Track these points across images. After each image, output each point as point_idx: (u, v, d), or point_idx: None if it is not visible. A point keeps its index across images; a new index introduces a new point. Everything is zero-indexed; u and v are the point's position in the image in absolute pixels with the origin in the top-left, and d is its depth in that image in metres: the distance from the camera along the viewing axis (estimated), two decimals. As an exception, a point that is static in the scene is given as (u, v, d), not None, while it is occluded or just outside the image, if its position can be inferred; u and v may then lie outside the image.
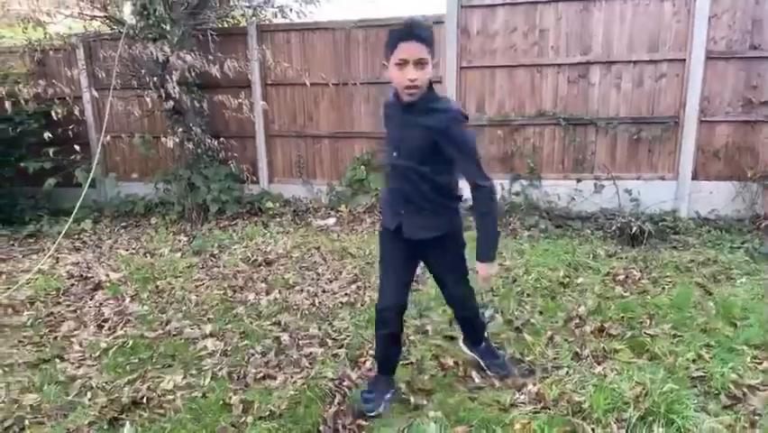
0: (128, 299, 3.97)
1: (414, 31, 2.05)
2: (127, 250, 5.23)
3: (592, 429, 2.29)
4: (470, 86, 5.92)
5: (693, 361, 2.81)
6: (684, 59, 5.32)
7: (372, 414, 2.44)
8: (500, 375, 2.71)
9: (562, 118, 5.66)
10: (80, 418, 2.50)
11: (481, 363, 2.78)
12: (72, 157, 5.96)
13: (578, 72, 5.62)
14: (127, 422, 2.46)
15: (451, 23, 5.77)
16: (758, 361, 2.83)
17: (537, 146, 5.86)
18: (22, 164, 6.24)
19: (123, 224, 6.24)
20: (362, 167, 6.20)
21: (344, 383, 2.74)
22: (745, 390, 2.56)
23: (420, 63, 2.06)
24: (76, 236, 5.76)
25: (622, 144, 5.64)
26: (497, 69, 5.82)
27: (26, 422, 2.49)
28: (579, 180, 5.75)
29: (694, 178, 5.47)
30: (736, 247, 4.60)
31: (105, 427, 2.44)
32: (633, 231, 4.79)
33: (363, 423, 2.41)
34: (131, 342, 3.27)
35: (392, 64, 2.10)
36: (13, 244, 5.68)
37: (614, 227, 4.97)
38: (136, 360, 3.07)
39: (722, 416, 2.37)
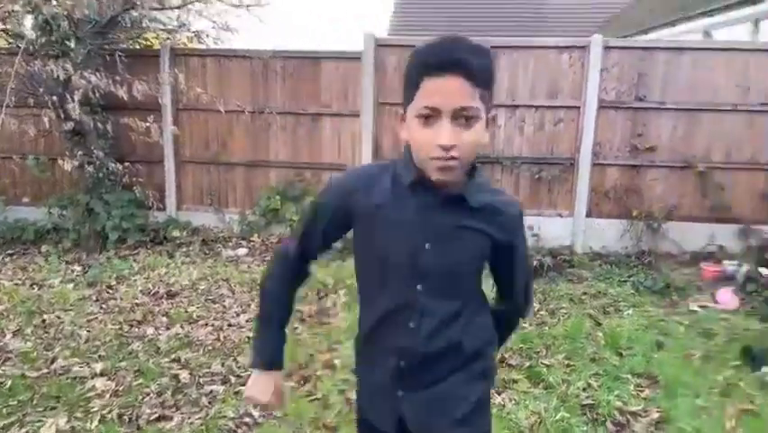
0: (9, 335, 3.64)
1: (455, 56, 1.08)
2: (11, 280, 4.78)
3: (490, 460, 2.35)
4: (386, 121, 6.08)
5: (584, 389, 2.99)
6: (579, 107, 5.79)
7: None
8: None
9: (470, 156, 5.92)
10: (-60, 471, 2.24)
11: None
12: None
13: (486, 113, 5.93)
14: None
15: (367, 60, 5.92)
16: (641, 388, 3.06)
17: (448, 181, 6.07)
18: None
19: (10, 251, 5.70)
20: (277, 196, 6.12)
21: (246, 421, 2.65)
22: (629, 416, 2.76)
23: (465, 116, 1.09)
24: (-48, 265, 5.21)
25: (525, 182, 6.00)
26: (410, 107, 6.02)
27: None
28: (486, 215, 6.01)
29: (588, 215, 5.90)
30: (624, 281, 4.99)
31: (-30, 480, 2.19)
32: (534, 264, 5.07)
33: (263, 464, 2.33)
34: (9, 382, 3.00)
35: (411, 115, 1.13)
36: None
37: (517, 261, 5.23)
38: (14, 402, 2.81)
39: (607, 442, 2.54)
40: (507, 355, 3.36)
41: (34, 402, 2.81)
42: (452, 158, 1.09)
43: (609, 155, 5.85)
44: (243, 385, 2.98)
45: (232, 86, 6.25)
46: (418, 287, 1.22)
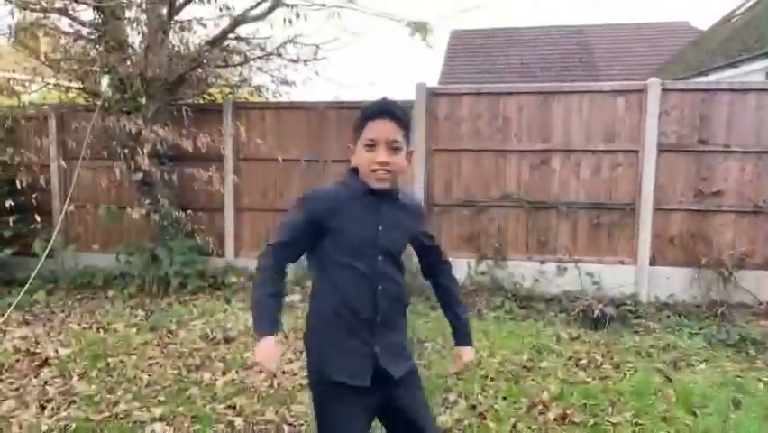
0: (75, 378, 3.77)
1: (386, 108, 1.73)
2: (80, 324, 5.01)
3: None
4: (438, 167, 6.12)
5: (655, 452, 2.78)
6: (638, 151, 5.64)
7: None
8: None
9: (525, 201, 5.85)
10: None
11: None
12: (32, 226, 5.83)
13: (540, 158, 5.88)
14: None
15: (419, 108, 6.03)
16: (719, 452, 2.82)
17: (502, 227, 6.00)
18: (-22, 231, 6.04)
19: (79, 296, 6.00)
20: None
21: (299, 474, 2.61)
22: (707, 483, 2.53)
23: (393, 147, 1.71)
24: (27, 309, 5.51)
25: (583, 228, 5.83)
26: (463, 153, 6.05)
27: None
28: (542, 262, 5.86)
29: (652, 263, 5.64)
30: (695, 333, 4.68)
31: None
32: (595, 314, 4.85)
33: None
34: (74, 425, 3.09)
35: (360, 146, 1.75)
36: (-42, 315, 5.39)
37: (577, 310, 5.03)
38: (77, 445, 2.88)
39: None
40: (569, 412, 3.19)
41: (96, 446, 2.88)
42: (388, 171, 1.71)
43: (672, 200, 5.63)
44: (297, 435, 2.96)
45: (289, 136, 6.49)
46: (379, 258, 1.76)
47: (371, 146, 1.71)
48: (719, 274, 5.41)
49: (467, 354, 2.02)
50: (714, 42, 10.73)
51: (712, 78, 8.49)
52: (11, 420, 3.15)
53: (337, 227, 1.74)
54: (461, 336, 2.03)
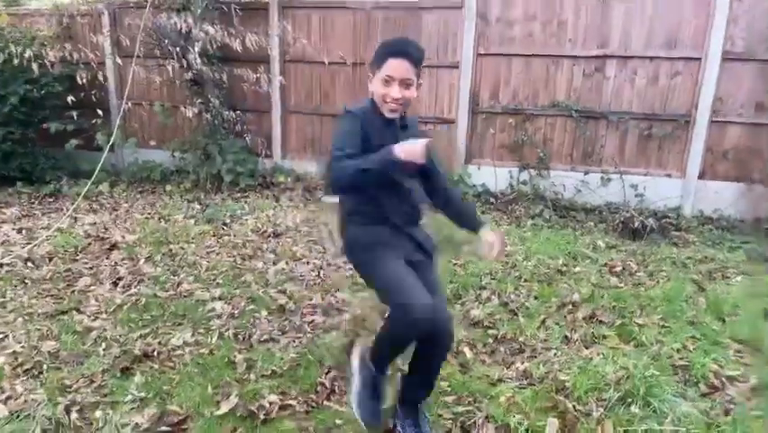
0: (142, 261, 4.15)
1: (405, 48, 1.99)
2: (142, 214, 5.41)
3: (573, 406, 2.42)
4: (485, 72, 5.98)
5: (678, 351, 2.92)
6: (700, 59, 5.33)
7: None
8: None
9: (574, 110, 5.71)
10: (95, 366, 2.67)
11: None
12: (93, 121, 6.13)
13: (594, 65, 5.65)
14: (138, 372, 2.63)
15: (470, 9, 5.80)
16: (741, 355, 2.94)
17: (548, 137, 5.92)
18: (44, 125, 6.41)
19: (140, 189, 6.42)
20: (375, 147, 6.27)
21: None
22: (725, 380, 2.67)
23: (406, 83, 1.99)
24: (93, 198, 5.95)
25: (632, 139, 5.69)
26: (513, 58, 5.87)
27: (44, 367, 2.66)
28: (586, 173, 5.81)
29: (701, 177, 5.52)
30: (736, 247, 4.67)
31: (118, 375, 2.61)
32: (635, 225, 4.88)
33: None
34: (143, 300, 3.44)
35: (377, 78, 2.02)
36: (33, 203, 5.88)
37: (617, 221, 5.06)
38: (148, 317, 3.24)
39: (698, 402, 2.49)
40: (597, 312, 3.34)
41: (164, 318, 3.23)
42: (399, 105, 2.02)
43: (731, 112, 5.38)
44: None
45: (335, 38, 6.41)
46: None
47: (388, 82, 1.99)
48: (771, 190, 5.27)
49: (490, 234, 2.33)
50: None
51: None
52: (88, 294, 3.55)
53: (367, 148, 1.95)
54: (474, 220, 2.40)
